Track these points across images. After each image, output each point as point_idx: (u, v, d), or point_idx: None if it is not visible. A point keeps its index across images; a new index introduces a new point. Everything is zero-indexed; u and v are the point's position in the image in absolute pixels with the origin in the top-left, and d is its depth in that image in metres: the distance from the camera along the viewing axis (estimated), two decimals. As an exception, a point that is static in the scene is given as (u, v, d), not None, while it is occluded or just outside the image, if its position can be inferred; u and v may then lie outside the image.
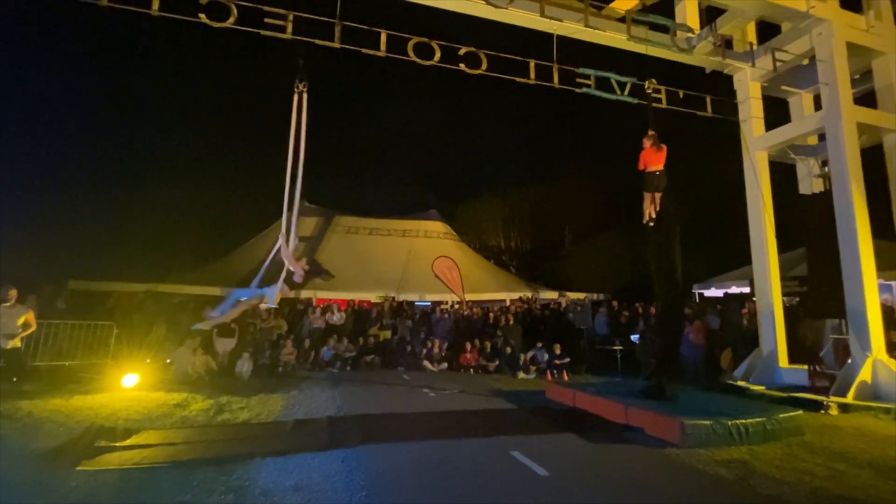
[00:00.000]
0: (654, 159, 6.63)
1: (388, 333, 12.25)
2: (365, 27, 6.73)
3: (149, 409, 6.51)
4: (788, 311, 9.21)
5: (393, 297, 14.22)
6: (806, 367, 8.09)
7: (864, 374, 7.07)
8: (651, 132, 6.73)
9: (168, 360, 9.58)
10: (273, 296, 6.06)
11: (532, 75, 7.36)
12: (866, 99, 8.94)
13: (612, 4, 8.29)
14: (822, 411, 6.70)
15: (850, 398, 6.88)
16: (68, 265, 14.97)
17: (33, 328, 7.47)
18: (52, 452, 4.53)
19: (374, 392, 8.41)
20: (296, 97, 6.04)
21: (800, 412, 5.78)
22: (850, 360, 7.42)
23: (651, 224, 6.71)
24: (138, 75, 35.11)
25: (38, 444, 4.75)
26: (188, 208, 25.13)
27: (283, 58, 6.65)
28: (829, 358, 8.60)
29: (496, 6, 7.07)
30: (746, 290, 12.75)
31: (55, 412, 6.09)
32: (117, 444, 4.87)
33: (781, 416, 5.47)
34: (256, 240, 16.53)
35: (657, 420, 5.39)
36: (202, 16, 6.25)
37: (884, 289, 9.08)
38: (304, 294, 13.72)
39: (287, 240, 6.16)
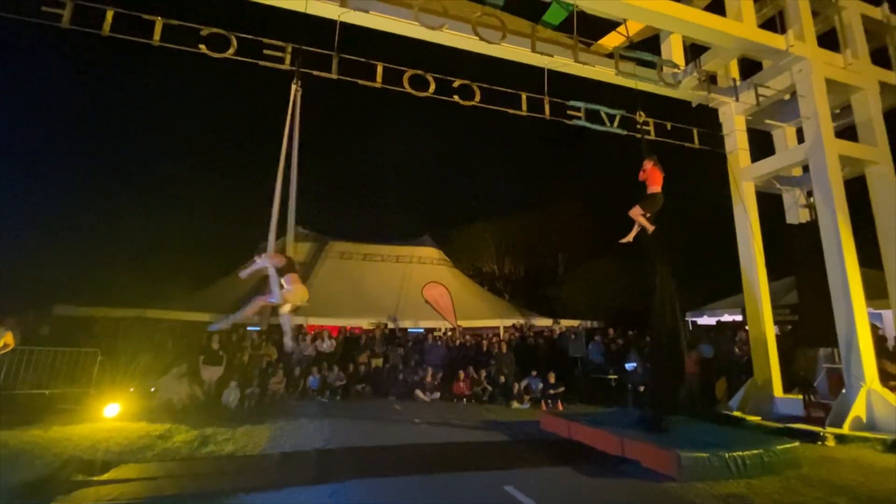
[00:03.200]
0: (656, 179, 6.68)
1: (379, 361, 12.05)
2: (362, 59, 6.92)
3: (130, 441, 6.29)
4: (781, 340, 9.23)
5: (385, 324, 14.07)
6: (800, 396, 8.06)
7: (859, 405, 7.04)
8: (653, 156, 6.83)
9: (152, 389, 9.33)
10: (277, 294, 5.58)
11: (524, 107, 7.55)
12: (848, 132, 9.25)
13: (600, 41, 8.63)
14: (819, 442, 6.63)
15: (846, 429, 6.82)
16: (54, 289, 14.70)
17: (11, 346, 7.35)
18: (26, 486, 4.34)
19: (364, 423, 8.20)
20: (292, 95, 6.03)
21: (797, 444, 5.70)
22: (844, 390, 7.40)
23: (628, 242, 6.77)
24: (126, 92, 35.23)
25: (12, 477, 4.54)
26: (179, 232, 24.96)
27: (279, 80, 6.74)
28: (823, 387, 8.57)
29: (489, 42, 7.31)
30: (739, 318, 12.80)
31: (32, 444, 5.85)
32: (95, 479, 4.68)
33: (779, 448, 5.40)
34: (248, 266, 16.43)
35: (653, 453, 5.29)
36: (202, 46, 6.39)
37: (873, 317, 9.16)
38: (294, 321, 13.54)
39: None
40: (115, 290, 14.12)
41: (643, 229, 6.65)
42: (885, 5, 9.57)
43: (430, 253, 18.98)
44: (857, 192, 8.83)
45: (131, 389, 9.06)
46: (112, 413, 7.71)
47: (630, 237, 6.76)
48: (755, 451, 5.17)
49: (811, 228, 8.54)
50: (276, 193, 5.82)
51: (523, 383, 10.73)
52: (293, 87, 6.04)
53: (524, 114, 7.55)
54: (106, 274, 17.58)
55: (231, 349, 10.84)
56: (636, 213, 6.56)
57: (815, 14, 9.02)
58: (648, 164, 6.67)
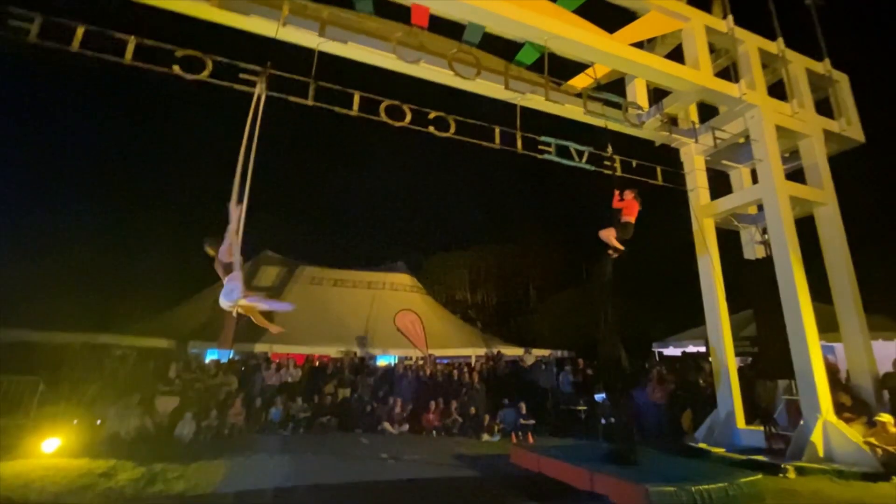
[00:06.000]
0: (633, 211, 6.92)
1: (346, 392, 11.66)
2: (338, 87, 6.98)
3: (69, 480, 5.79)
4: (742, 372, 9.49)
5: (354, 353, 13.73)
6: (762, 428, 8.25)
7: (816, 437, 7.24)
8: (635, 188, 7.11)
9: (98, 421, 8.69)
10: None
11: (497, 141, 7.75)
12: (797, 174, 9.89)
13: (569, 81, 9.05)
14: (781, 475, 6.75)
15: (804, 461, 6.99)
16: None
17: None
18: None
19: (328, 458, 7.84)
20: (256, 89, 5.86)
21: (760, 476, 5.77)
22: (802, 422, 7.62)
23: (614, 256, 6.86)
24: (79, 101, 33.75)
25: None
26: (138, 250, 23.79)
27: (243, 102, 6.65)
28: (783, 419, 8.82)
29: (464, 77, 7.55)
30: (703, 349, 13.14)
31: (-46, 485, 5.31)
32: (24, 524, 4.25)
33: (742, 480, 5.44)
34: (211, 290, 15.84)
35: (622, 487, 5.24)
36: (176, 67, 6.31)
37: (826, 350, 9.58)
38: (259, 348, 13.05)
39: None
40: (62, 312, 13.20)
41: (614, 252, 6.77)
42: (827, 61, 10.47)
43: (403, 279, 18.83)
44: (810, 230, 9.37)
45: (75, 422, 8.40)
46: (51, 448, 7.12)
47: (619, 248, 6.78)
48: (720, 485, 5.20)
49: (767, 264, 8.97)
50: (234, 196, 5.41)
51: (494, 415, 10.57)
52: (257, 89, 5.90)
53: (497, 147, 7.74)
54: (52, 294, 16.42)
55: (188, 378, 10.29)
56: (610, 235, 6.71)
57: (764, 66, 9.77)
58: (629, 195, 6.91)
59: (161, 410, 9.45)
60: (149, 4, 6.59)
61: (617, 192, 7.07)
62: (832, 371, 8.75)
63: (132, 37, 6.13)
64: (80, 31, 5.94)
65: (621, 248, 6.72)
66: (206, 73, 6.43)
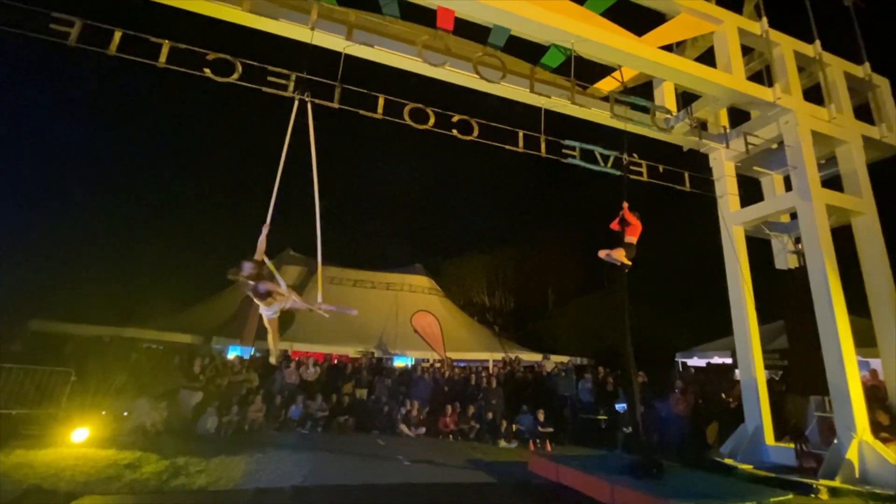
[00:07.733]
0: (636, 231, 7.00)
1: (364, 392, 11.72)
2: (364, 91, 7.04)
3: (97, 470, 5.96)
4: (771, 386, 9.15)
5: (372, 353, 13.80)
6: (792, 445, 7.93)
7: (851, 456, 6.91)
8: (636, 212, 7.15)
9: (125, 413, 8.94)
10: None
11: (521, 144, 7.68)
12: (833, 181, 9.50)
13: (596, 85, 8.91)
14: (812, 495, 6.45)
15: (838, 482, 6.68)
16: (30, 303, 14.17)
17: None
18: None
19: (344, 458, 7.88)
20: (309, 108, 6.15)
21: (790, 496, 5.57)
22: (835, 441, 7.29)
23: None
24: (107, 102, 34.81)
25: (-37, 509, 4.26)
26: (164, 248, 24.51)
27: (274, 101, 6.82)
28: (815, 436, 8.45)
29: (489, 81, 7.51)
30: (729, 360, 12.75)
31: (-10, 470, 5.52)
32: (54, 512, 4.39)
33: (772, 500, 5.27)
34: (234, 288, 16.16)
35: (644, 502, 5.11)
36: (207, 70, 6.46)
37: (862, 366, 9.15)
38: (279, 346, 13.24)
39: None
40: (93, 306, 13.68)
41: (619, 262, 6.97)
42: (867, 64, 10.04)
43: (422, 282, 18.88)
44: (846, 240, 8.97)
45: (103, 412, 8.67)
46: (80, 438, 7.35)
47: (628, 263, 6.98)
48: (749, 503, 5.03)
49: (800, 274, 8.63)
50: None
51: (511, 421, 10.46)
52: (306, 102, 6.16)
53: (521, 150, 7.67)
54: (84, 289, 17.02)
55: (211, 373, 10.51)
56: (619, 254, 6.81)
57: (800, 70, 9.42)
58: (633, 217, 6.98)
59: (185, 404, 9.67)
60: (183, 9, 6.77)
61: (626, 204, 7.09)
62: (876, 388, 8.35)
63: (166, 41, 6.32)
64: (117, 35, 6.14)
65: (629, 263, 6.94)
66: (235, 75, 6.57)
